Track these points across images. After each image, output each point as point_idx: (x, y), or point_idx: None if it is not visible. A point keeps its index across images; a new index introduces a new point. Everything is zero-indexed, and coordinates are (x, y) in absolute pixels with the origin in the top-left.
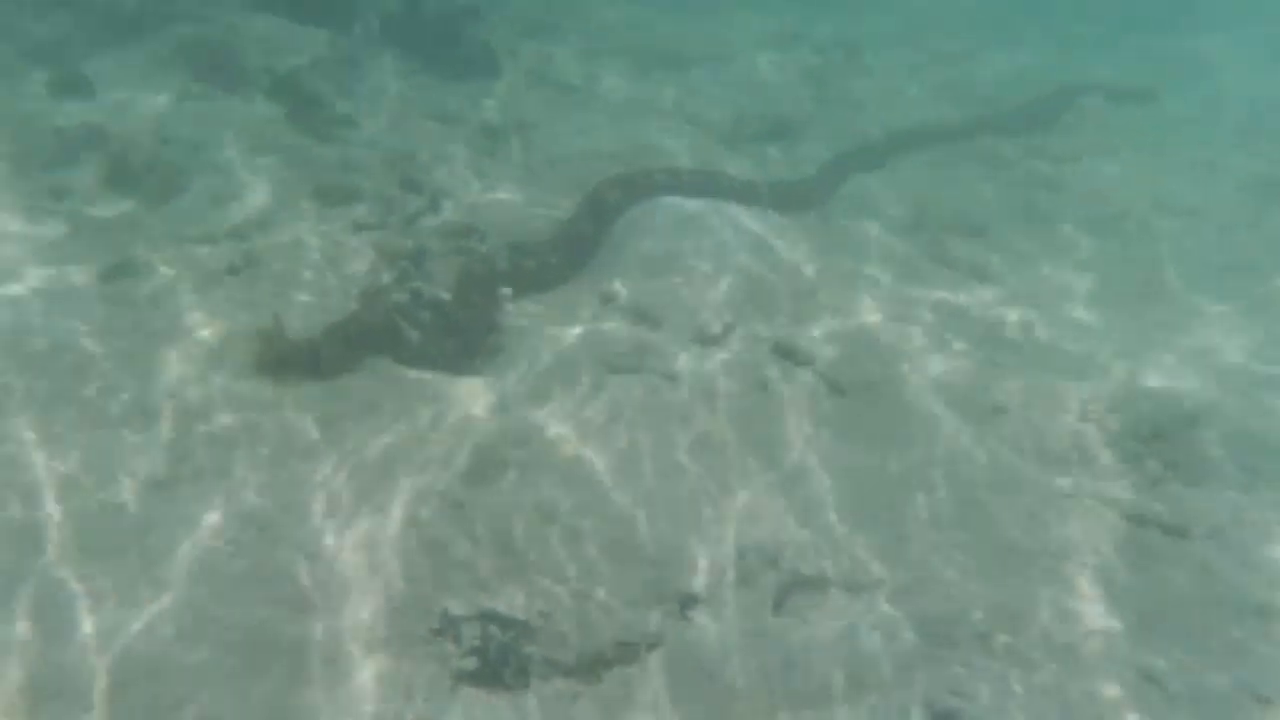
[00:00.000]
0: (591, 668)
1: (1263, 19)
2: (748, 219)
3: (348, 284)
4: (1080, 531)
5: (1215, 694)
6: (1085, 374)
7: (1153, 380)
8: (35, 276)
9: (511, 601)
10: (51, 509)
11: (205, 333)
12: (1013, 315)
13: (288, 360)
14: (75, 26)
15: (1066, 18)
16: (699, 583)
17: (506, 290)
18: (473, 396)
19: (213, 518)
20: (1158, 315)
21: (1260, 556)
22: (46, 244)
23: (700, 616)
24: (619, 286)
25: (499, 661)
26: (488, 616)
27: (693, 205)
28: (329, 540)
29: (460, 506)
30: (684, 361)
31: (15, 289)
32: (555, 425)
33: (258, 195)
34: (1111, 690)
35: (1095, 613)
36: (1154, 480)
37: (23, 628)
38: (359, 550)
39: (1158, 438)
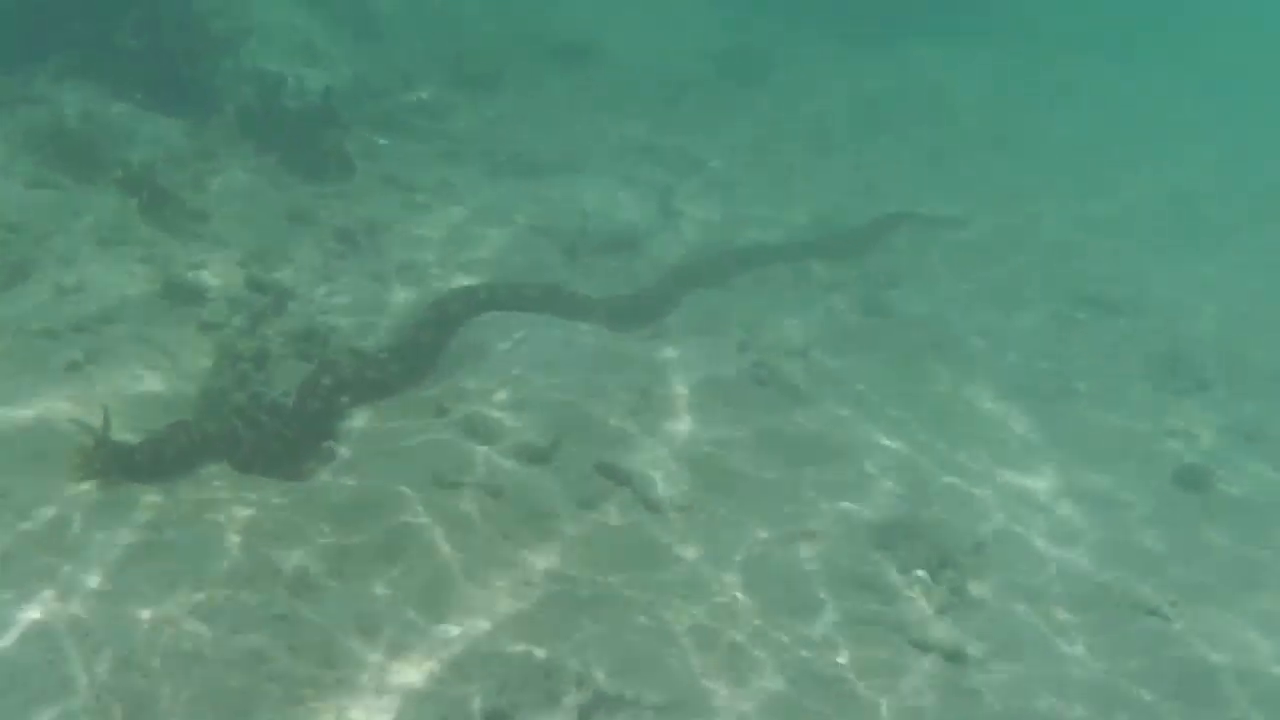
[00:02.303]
0: None
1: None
2: (582, 336)
3: (190, 385)
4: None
5: None
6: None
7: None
8: None
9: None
10: None
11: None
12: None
13: (118, 463)
14: None
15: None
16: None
17: (344, 398)
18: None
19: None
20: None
21: None
22: None
23: None
24: (452, 400)
25: None
26: None
27: (530, 320)
28: None
29: (284, 618)
30: (509, 476)
31: None
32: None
33: (104, 290)
34: None
35: None
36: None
37: None
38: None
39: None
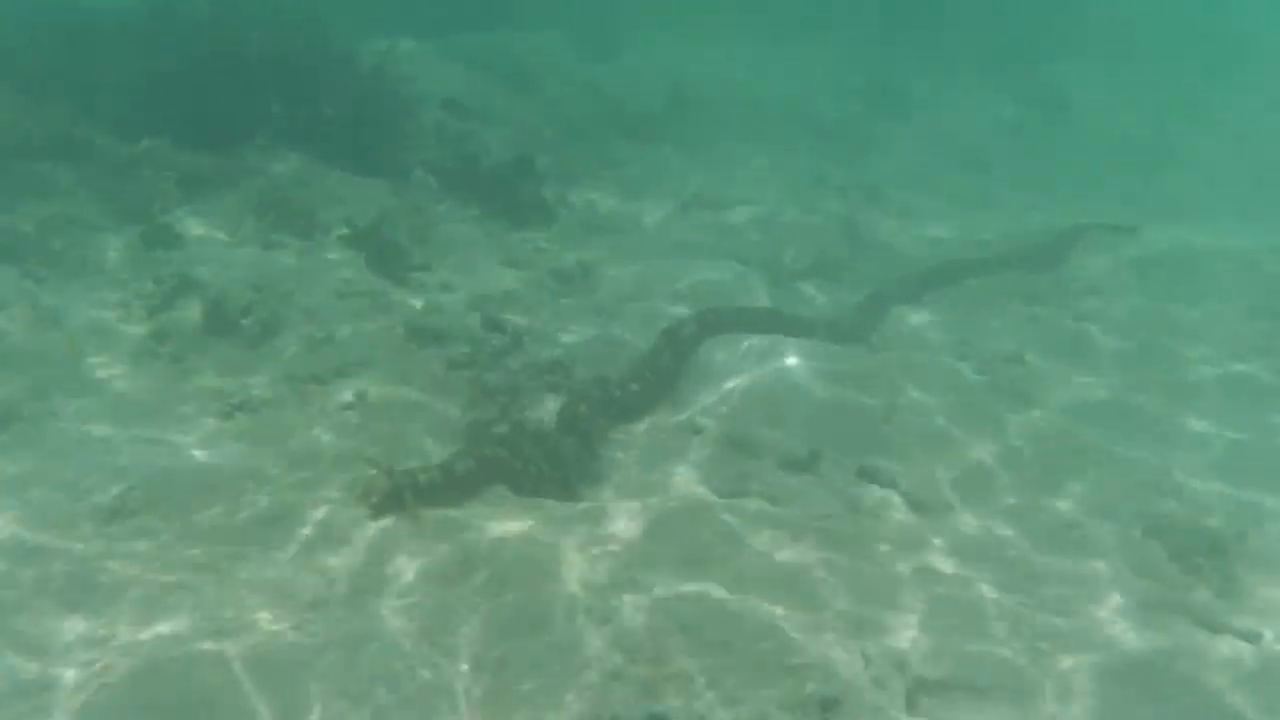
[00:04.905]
0: None
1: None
2: (815, 353)
3: (452, 418)
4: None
5: None
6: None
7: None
8: (161, 420)
9: (671, 706)
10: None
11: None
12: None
13: (415, 494)
14: (156, 185)
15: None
16: (837, 687)
17: (601, 422)
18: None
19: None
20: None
21: None
22: (162, 386)
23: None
24: (704, 417)
25: None
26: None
27: (763, 340)
28: None
29: (607, 620)
30: (781, 485)
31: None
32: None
33: (353, 338)
34: None
35: None
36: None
37: None
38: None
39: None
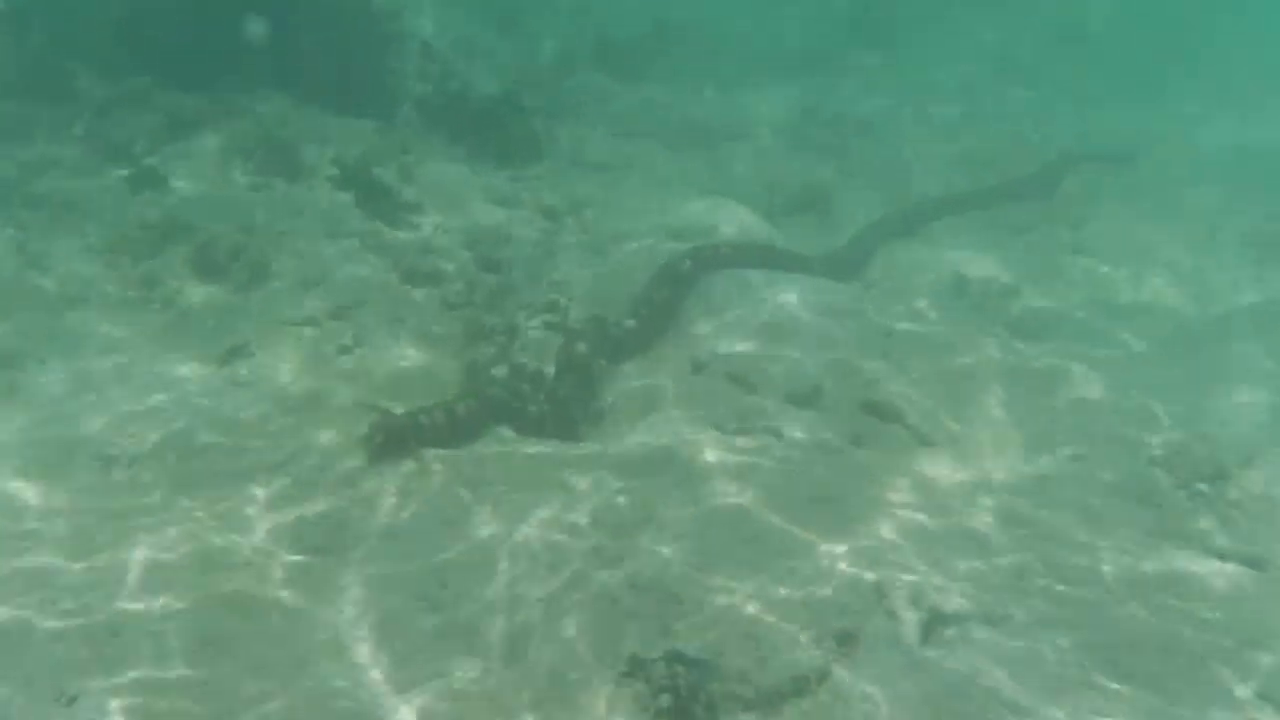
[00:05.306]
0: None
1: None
2: (812, 288)
3: (450, 359)
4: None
5: None
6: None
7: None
8: (149, 363)
9: (688, 643)
10: None
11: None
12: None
13: (409, 432)
14: (139, 125)
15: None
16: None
17: (601, 361)
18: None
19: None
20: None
21: None
22: (154, 331)
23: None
24: (704, 354)
25: (690, 698)
26: (672, 657)
27: (760, 276)
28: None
29: (619, 560)
30: (785, 419)
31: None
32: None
33: (346, 279)
34: None
35: None
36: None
37: None
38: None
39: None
